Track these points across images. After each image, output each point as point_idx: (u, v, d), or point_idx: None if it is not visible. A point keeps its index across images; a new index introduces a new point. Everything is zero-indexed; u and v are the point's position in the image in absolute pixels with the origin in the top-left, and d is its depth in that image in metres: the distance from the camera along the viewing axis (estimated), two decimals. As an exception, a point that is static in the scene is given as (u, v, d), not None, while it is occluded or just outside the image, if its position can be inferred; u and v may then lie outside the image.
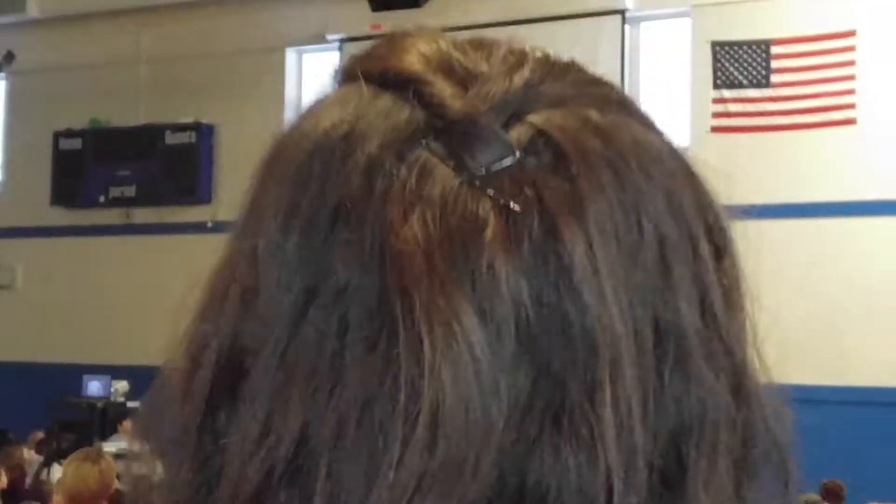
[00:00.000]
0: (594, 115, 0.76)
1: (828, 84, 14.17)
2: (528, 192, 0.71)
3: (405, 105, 0.75)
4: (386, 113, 0.75)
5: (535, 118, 0.75)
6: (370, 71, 0.79)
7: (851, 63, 14.06)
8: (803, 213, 14.34)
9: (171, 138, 18.12)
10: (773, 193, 14.53)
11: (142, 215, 18.62)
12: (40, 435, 15.30)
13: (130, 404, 16.25)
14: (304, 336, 0.71)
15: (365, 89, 0.78)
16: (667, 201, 0.76)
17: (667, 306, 0.73)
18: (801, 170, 14.37)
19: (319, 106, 0.81)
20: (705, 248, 0.77)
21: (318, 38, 17.28)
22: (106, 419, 16.17)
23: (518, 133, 0.74)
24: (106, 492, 6.50)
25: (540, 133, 0.74)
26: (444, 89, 0.75)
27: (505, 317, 0.69)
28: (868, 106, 14.00)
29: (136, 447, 0.79)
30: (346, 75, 0.82)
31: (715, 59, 14.77)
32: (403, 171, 0.72)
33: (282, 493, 0.70)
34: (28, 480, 13.27)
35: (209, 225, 18.03)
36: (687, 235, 0.76)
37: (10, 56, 18.88)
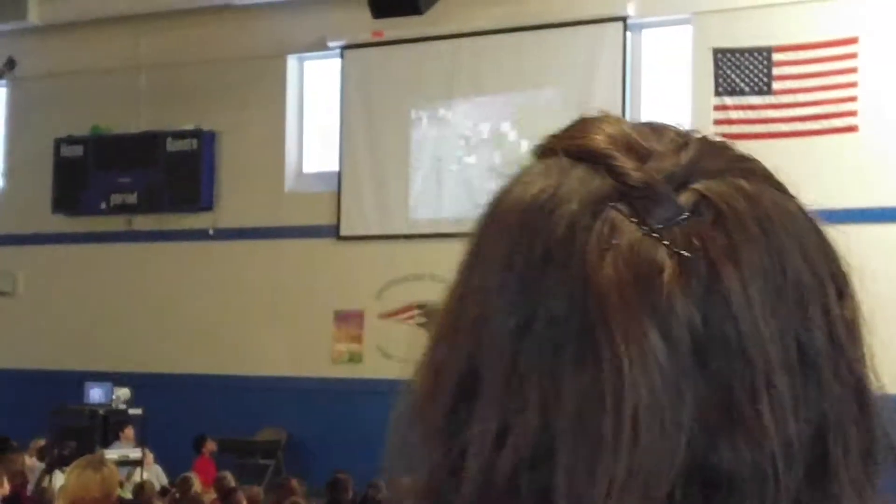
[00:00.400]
0: (743, 183, 0.99)
1: (829, 91, 14.16)
2: (696, 242, 0.93)
3: (596, 175, 0.97)
4: (581, 180, 0.97)
5: (699, 186, 0.97)
6: (567, 148, 1.00)
7: (853, 70, 14.05)
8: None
9: (172, 145, 18.11)
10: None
11: (143, 222, 18.61)
12: (42, 442, 15.29)
13: (132, 411, 16.23)
14: (527, 353, 0.93)
15: (564, 162, 0.99)
16: (801, 252, 0.98)
17: (804, 333, 0.94)
18: (803, 177, 14.29)
19: (527, 175, 1.00)
20: (831, 290, 0.99)
21: (320, 45, 17.28)
22: (108, 426, 16.15)
23: (685, 197, 0.96)
24: (108, 499, 6.47)
25: (702, 197, 0.96)
26: (626, 163, 0.97)
27: (682, 337, 0.91)
28: (870, 112, 13.99)
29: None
30: (545, 150, 1.02)
31: (717, 66, 14.76)
32: (598, 225, 0.94)
33: (526, 474, 0.91)
34: (30, 487, 13.27)
35: (211, 232, 18.02)
36: (817, 279, 0.98)
37: (11, 63, 18.91)
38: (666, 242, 0.93)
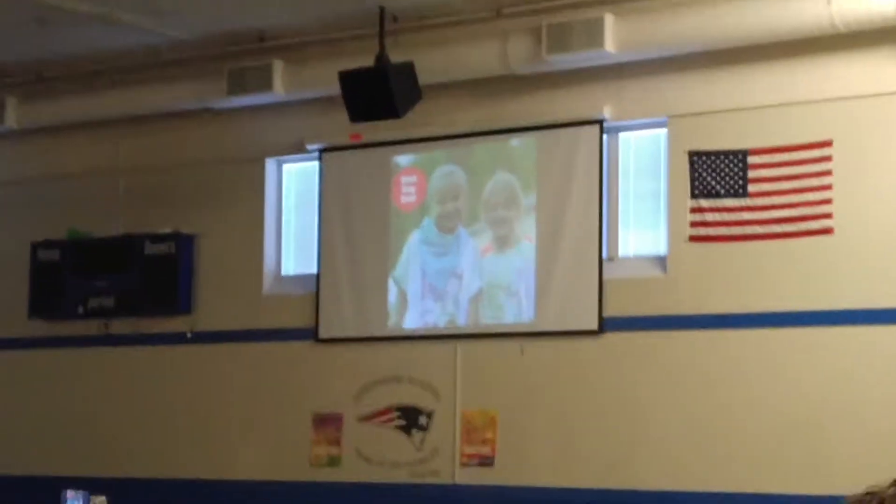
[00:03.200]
0: None
1: (805, 193, 14.24)
2: None
3: None
4: None
5: None
6: None
7: (828, 173, 14.15)
8: (781, 321, 14.35)
9: (150, 249, 18.09)
10: (750, 303, 14.56)
11: (120, 327, 18.54)
12: (16, 550, 15.07)
13: (108, 520, 16.02)
14: None
15: None
16: None
17: None
18: (779, 279, 14.41)
19: None
20: None
21: (298, 148, 17.36)
22: (83, 534, 15.91)
23: None
24: None
25: None
26: None
27: None
28: (845, 215, 14.08)
29: None
30: None
31: (692, 169, 14.86)
32: None
33: None
34: None
35: (189, 336, 17.97)
36: None
37: (-11, 167, 18.90)
38: None
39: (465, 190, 16.40)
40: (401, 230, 16.79)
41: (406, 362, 16.52)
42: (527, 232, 15.91)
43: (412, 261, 16.68)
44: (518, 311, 15.91)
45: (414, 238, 16.69)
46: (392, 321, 16.69)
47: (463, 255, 16.35)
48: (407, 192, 16.85)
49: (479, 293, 16.18)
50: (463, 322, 16.25)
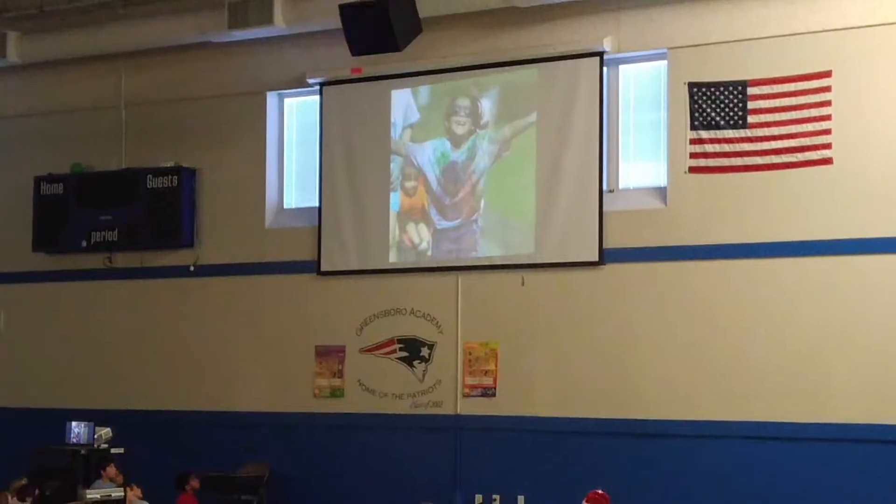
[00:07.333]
0: None
1: (804, 124, 14.26)
2: None
3: None
4: None
5: None
6: None
7: (828, 103, 14.16)
8: (780, 252, 14.40)
9: (152, 182, 18.13)
10: (750, 233, 14.62)
11: (124, 260, 18.61)
12: (23, 481, 15.21)
13: (114, 450, 16.16)
14: None
15: None
16: None
17: None
18: (778, 209, 14.46)
19: None
20: None
21: (299, 82, 17.34)
22: (89, 465, 16.06)
23: None
24: None
25: None
26: None
27: None
28: (844, 145, 14.10)
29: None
30: None
31: (692, 100, 14.87)
32: None
33: None
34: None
35: (191, 269, 18.04)
36: None
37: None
38: None
39: (466, 123, 16.42)
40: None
41: (408, 294, 16.59)
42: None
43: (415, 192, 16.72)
44: (519, 243, 15.96)
45: (415, 171, 16.74)
46: (393, 253, 16.76)
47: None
48: (408, 125, 16.88)
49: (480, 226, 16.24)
50: (464, 254, 16.31)
